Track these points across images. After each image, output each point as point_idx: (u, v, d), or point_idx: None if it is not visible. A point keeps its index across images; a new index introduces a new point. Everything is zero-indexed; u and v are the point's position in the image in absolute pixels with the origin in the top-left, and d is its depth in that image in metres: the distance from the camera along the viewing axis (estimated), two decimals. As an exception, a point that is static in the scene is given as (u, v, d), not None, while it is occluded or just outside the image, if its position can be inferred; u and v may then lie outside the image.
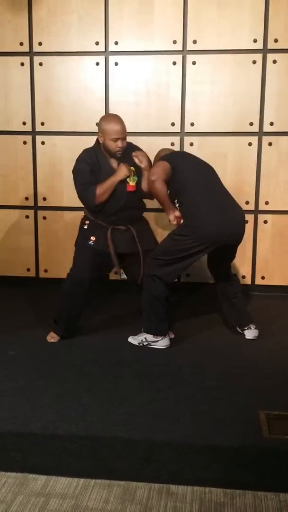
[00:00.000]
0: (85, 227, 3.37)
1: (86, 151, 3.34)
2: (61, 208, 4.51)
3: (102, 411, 2.47)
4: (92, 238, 3.30)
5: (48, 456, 2.28)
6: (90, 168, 3.23)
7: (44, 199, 4.51)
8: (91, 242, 3.30)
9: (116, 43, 4.24)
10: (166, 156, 3.33)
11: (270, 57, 4.11)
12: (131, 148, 3.34)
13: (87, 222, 3.37)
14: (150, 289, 3.22)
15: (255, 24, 4.08)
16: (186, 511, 2.06)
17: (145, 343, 3.26)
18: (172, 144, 4.29)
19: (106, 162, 3.27)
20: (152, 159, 3.43)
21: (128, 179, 3.22)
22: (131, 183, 3.23)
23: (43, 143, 4.43)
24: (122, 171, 3.19)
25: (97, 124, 3.32)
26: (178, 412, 2.47)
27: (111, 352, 3.20)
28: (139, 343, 3.28)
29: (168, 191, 3.21)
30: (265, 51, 4.11)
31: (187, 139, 4.29)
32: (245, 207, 4.28)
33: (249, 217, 4.32)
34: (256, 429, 2.33)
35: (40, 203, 4.53)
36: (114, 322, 3.74)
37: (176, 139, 4.30)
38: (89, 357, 3.12)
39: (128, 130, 4.34)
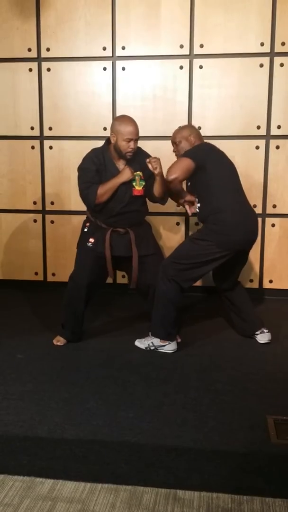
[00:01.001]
0: (85, 229, 3.38)
1: (94, 151, 3.34)
2: (69, 212, 4.53)
3: (109, 415, 2.47)
4: (91, 239, 3.31)
5: (55, 460, 2.28)
6: (96, 167, 3.23)
7: (52, 203, 4.53)
8: (90, 244, 3.31)
9: (123, 48, 4.26)
10: (193, 151, 3.17)
11: (277, 60, 4.11)
12: (140, 152, 3.35)
13: (87, 224, 3.39)
14: (166, 292, 3.16)
15: (262, 28, 4.08)
16: (193, 516, 2.05)
17: (152, 348, 3.25)
18: (180, 148, 4.28)
19: (113, 163, 3.27)
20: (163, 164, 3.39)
21: (134, 183, 3.21)
22: (137, 187, 3.22)
23: (51, 147, 4.45)
24: (125, 174, 3.19)
25: (112, 125, 3.29)
26: (186, 417, 2.47)
27: (119, 356, 3.20)
28: (146, 347, 3.26)
29: (189, 183, 3.16)
30: (272, 54, 4.11)
31: (195, 143, 4.29)
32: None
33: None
34: (264, 434, 2.31)
35: (48, 207, 4.55)
36: (121, 325, 3.74)
37: (183, 143, 4.30)
38: (97, 361, 3.12)
39: (136, 134, 4.36)
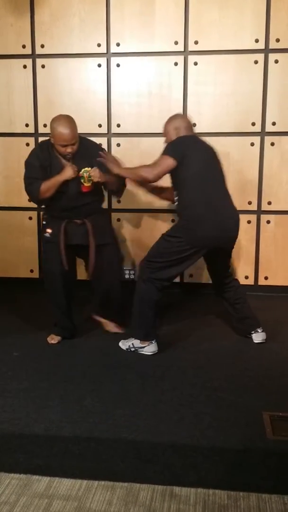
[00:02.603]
0: (44, 222, 3.40)
1: (40, 146, 3.34)
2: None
3: (105, 413, 2.47)
4: (48, 230, 3.31)
5: (51, 457, 2.28)
6: (39, 163, 3.21)
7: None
8: (47, 235, 3.31)
9: (118, 44, 4.25)
10: (173, 147, 3.11)
11: (272, 57, 4.10)
12: (89, 146, 3.32)
13: (45, 216, 3.40)
14: (142, 293, 3.14)
15: (257, 24, 4.08)
16: (190, 512, 2.06)
17: (132, 349, 3.21)
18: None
19: (58, 159, 3.24)
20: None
21: (82, 180, 3.18)
22: (86, 184, 3.19)
23: (45, 145, 4.44)
24: (66, 172, 3.15)
25: (50, 124, 3.23)
26: (182, 414, 2.47)
27: (115, 353, 3.20)
28: (127, 349, 3.22)
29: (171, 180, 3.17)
30: (267, 51, 4.11)
31: (190, 140, 4.28)
32: (247, 207, 4.30)
33: (252, 217, 4.32)
34: (260, 430, 2.32)
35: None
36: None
37: (178, 140, 4.29)
38: (93, 359, 3.12)
39: (129, 131, 4.37)
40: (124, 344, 3.26)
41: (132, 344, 3.21)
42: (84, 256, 3.41)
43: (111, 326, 3.51)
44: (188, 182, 3.09)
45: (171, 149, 3.10)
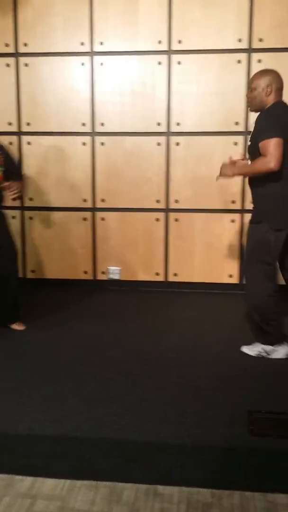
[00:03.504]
0: None
1: None
2: (48, 209, 4.50)
3: (89, 412, 2.46)
4: None
5: (34, 457, 2.27)
6: None
7: (31, 199, 4.50)
8: None
9: (102, 43, 4.24)
10: (274, 124, 2.85)
11: (255, 56, 4.13)
12: None
13: None
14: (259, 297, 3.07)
15: (240, 24, 4.10)
16: (173, 511, 2.06)
17: (263, 354, 3.14)
18: (158, 144, 4.29)
19: None
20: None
21: None
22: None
23: (29, 143, 4.42)
24: None
25: None
26: (166, 413, 2.47)
27: (98, 352, 3.19)
28: (257, 355, 3.15)
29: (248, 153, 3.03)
30: (250, 50, 4.13)
31: (173, 139, 4.30)
32: (231, 206, 4.32)
33: (236, 217, 4.35)
34: (243, 429, 2.32)
35: (27, 203, 4.51)
36: (101, 322, 3.73)
37: (162, 139, 4.30)
38: (76, 358, 3.11)
39: (113, 130, 4.37)
40: (251, 351, 3.18)
41: (262, 349, 3.15)
42: None
43: (14, 325, 3.54)
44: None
45: (271, 130, 2.84)
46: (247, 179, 3.15)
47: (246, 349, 3.19)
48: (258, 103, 2.98)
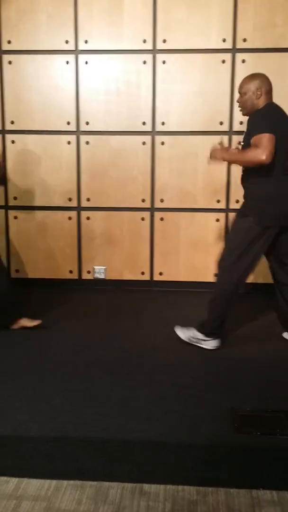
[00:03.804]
0: None
1: None
2: (33, 208, 4.48)
3: (73, 412, 2.46)
4: None
5: (19, 458, 2.26)
6: None
7: (15, 198, 4.47)
8: None
9: (86, 41, 4.23)
10: (268, 123, 2.87)
11: (239, 56, 4.15)
12: None
13: None
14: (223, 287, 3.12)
15: (224, 24, 4.11)
16: (159, 510, 2.06)
17: (194, 341, 3.22)
18: (144, 143, 4.29)
19: None
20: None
21: None
22: None
23: (13, 142, 4.39)
24: None
25: None
26: (150, 411, 2.47)
27: (83, 352, 3.19)
28: (188, 339, 3.23)
29: (242, 142, 3.04)
30: (234, 50, 4.15)
31: (158, 138, 4.30)
32: (216, 205, 4.34)
33: (221, 216, 4.36)
34: (228, 426, 2.34)
35: (11, 202, 4.49)
36: (85, 321, 3.72)
37: (147, 138, 4.31)
38: (61, 358, 3.10)
39: (98, 129, 4.36)
40: (183, 333, 3.24)
41: (194, 334, 3.21)
42: None
43: (26, 322, 3.51)
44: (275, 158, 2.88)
45: (263, 125, 2.86)
46: (239, 179, 3.18)
47: (179, 331, 3.27)
48: (249, 106, 3.03)
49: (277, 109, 3.03)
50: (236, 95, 4.14)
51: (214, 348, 3.19)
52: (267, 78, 3.03)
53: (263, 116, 2.94)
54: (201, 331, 3.20)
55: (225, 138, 4.24)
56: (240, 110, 3.14)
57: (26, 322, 3.49)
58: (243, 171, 3.11)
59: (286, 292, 3.23)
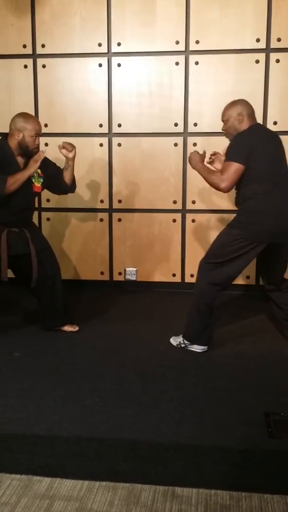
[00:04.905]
0: None
1: None
2: (65, 209, 4.53)
3: (106, 413, 2.46)
4: None
5: (52, 458, 2.27)
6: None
7: (48, 200, 4.51)
8: None
9: (119, 44, 4.24)
10: (237, 151, 2.95)
11: (273, 56, 4.10)
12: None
13: None
14: (201, 293, 3.15)
15: (258, 24, 4.07)
16: (191, 513, 2.05)
17: (182, 345, 3.25)
18: (175, 144, 4.28)
19: (14, 159, 3.27)
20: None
21: (33, 180, 3.28)
22: (37, 183, 3.31)
23: (46, 144, 4.42)
24: (34, 166, 3.19)
25: (12, 121, 3.26)
26: (183, 414, 2.46)
27: (115, 353, 3.19)
28: (177, 345, 3.27)
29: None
30: (268, 50, 4.10)
31: (191, 139, 4.28)
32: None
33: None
34: (261, 430, 2.31)
35: (44, 204, 4.54)
36: (118, 323, 3.73)
37: (179, 140, 4.29)
38: (93, 359, 3.11)
39: (130, 131, 4.37)
40: (175, 340, 3.31)
41: (183, 341, 3.25)
42: (23, 265, 3.38)
43: (68, 327, 3.54)
44: (252, 177, 2.97)
45: (236, 153, 2.95)
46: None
47: (172, 340, 3.32)
48: (233, 131, 3.11)
49: (258, 131, 3.10)
50: (270, 95, 4.14)
51: (202, 351, 3.20)
52: (247, 102, 3.13)
53: (238, 144, 3.00)
54: (185, 336, 3.25)
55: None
56: (226, 137, 3.19)
57: (67, 328, 3.53)
58: (236, 193, 3.15)
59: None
